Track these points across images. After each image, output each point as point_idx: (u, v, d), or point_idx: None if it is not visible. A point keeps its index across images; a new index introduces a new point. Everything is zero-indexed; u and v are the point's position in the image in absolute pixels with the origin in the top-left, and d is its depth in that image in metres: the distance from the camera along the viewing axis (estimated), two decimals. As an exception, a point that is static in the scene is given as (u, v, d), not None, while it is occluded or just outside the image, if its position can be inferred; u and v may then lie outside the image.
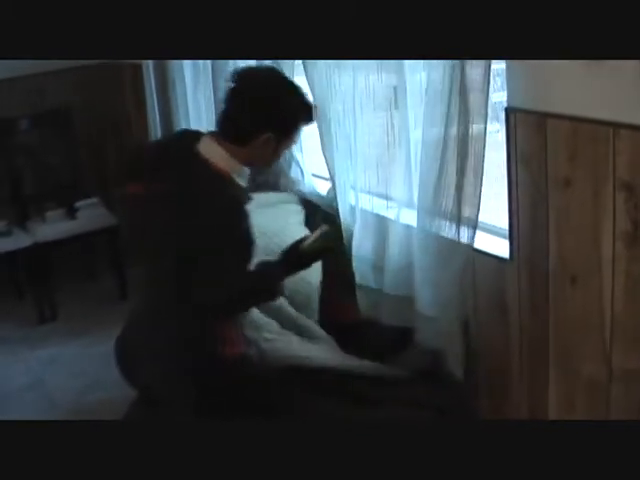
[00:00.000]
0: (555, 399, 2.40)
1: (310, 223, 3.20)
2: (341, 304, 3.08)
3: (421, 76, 2.50)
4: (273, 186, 3.40)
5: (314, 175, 3.37)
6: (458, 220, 2.42)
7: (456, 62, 2.27)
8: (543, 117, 2.17)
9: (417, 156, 2.60)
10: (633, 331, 2.08)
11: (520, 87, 2.25)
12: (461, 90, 2.29)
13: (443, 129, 2.37)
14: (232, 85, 2.26)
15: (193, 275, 2.17)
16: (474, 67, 2.25)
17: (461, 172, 2.36)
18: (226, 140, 2.24)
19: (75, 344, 4.03)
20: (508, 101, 2.31)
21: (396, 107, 2.72)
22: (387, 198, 2.84)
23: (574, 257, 2.20)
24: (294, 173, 3.32)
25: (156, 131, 4.15)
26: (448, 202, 2.43)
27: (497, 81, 2.53)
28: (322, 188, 3.28)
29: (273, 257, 2.44)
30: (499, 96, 2.57)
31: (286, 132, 2.29)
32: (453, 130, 2.35)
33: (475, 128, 2.31)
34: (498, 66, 2.38)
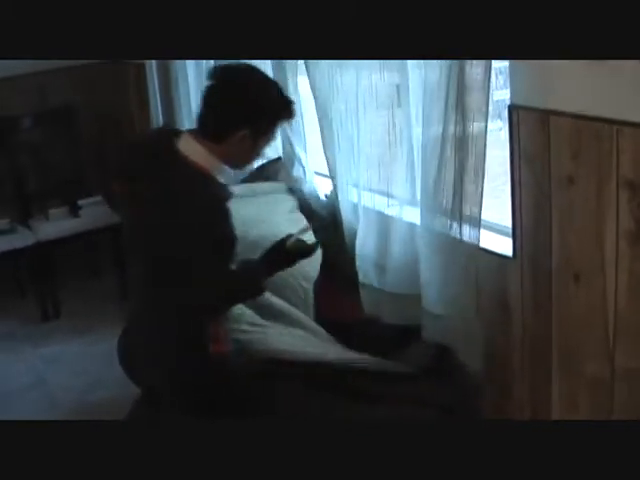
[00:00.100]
0: (558, 397, 2.40)
1: (302, 211, 3.22)
2: (343, 302, 3.08)
3: (424, 74, 2.49)
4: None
5: (317, 173, 3.36)
6: (460, 218, 2.41)
7: (454, 61, 2.27)
8: (546, 115, 2.17)
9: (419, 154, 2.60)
10: (636, 329, 2.07)
11: (523, 85, 2.25)
12: (460, 89, 2.28)
13: (442, 127, 2.37)
14: (209, 83, 2.26)
15: (177, 274, 2.17)
16: (474, 66, 2.24)
17: (462, 170, 2.36)
18: (204, 137, 2.23)
19: (78, 342, 4.04)
20: (511, 99, 2.30)
21: (399, 105, 2.72)
22: (390, 196, 2.83)
23: (577, 255, 2.20)
24: (297, 172, 3.32)
25: (159, 129, 4.15)
26: (449, 200, 2.43)
27: (499, 79, 2.53)
28: (325, 187, 3.27)
29: (250, 247, 2.44)
30: (502, 94, 2.56)
31: (263, 129, 2.26)
32: (452, 129, 2.35)
33: (476, 126, 2.30)
34: (501, 64, 2.38)
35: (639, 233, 1.98)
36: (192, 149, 2.23)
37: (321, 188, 3.30)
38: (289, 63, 3.06)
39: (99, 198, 4.56)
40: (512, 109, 2.29)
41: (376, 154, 2.84)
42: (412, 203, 2.75)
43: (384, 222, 2.84)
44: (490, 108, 2.30)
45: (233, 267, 2.31)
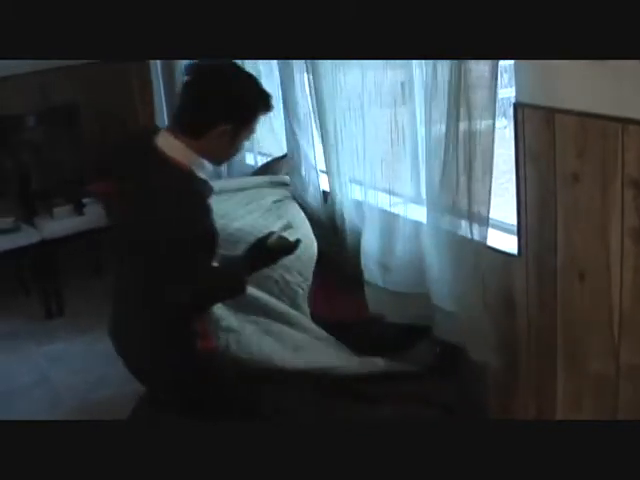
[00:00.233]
0: (563, 395, 2.40)
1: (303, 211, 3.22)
2: (346, 301, 3.07)
3: (430, 71, 2.49)
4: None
5: (321, 171, 3.36)
6: (469, 217, 2.41)
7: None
8: (551, 113, 2.16)
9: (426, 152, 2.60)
10: (641, 327, 2.07)
11: (528, 83, 2.25)
12: (465, 86, 2.28)
13: (449, 125, 2.37)
14: (186, 78, 2.25)
15: (158, 271, 2.17)
16: (480, 64, 2.24)
17: (469, 169, 2.35)
18: (182, 133, 2.21)
19: (82, 340, 4.03)
20: (516, 97, 2.30)
21: (403, 103, 2.71)
22: (396, 195, 2.83)
23: (582, 253, 2.20)
24: (305, 171, 3.31)
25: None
26: (455, 198, 2.42)
27: (504, 77, 2.52)
28: (328, 185, 3.26)
29: (229, 239, 2.41)
30: (506, 92, 2.56)
31: (242, 123, 2.24)
32: (459, 126, 2.34)
33: (483, 124, 2.29)
34: (506, 62, 2.37)
35: (644, 231, 1.99)
36: (170, 145, 2.21)
37: (325, 186, 3.30)
38: (296, 61, 3.06)
39: (102, 197, 4.58)
40: (517, 107, 2.29)
41: (381, 152, 2.83)
42: (418, 201, 2.74)
43: (389, 220, 2.84)
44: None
45: (215, 264, 2.31)
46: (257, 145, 3.82)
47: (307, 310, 3.02)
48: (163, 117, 4.18)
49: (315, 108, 3.04)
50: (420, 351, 2.81)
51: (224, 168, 3.82)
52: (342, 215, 3.07)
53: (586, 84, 2.06)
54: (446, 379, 2.76)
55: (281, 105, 3.28)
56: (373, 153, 2.84)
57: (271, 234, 2.38)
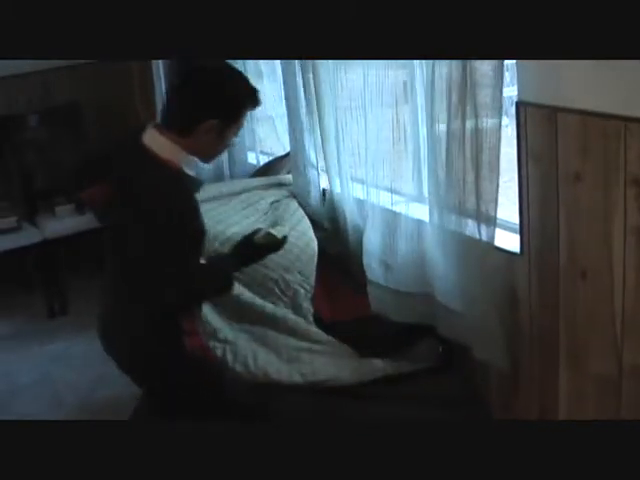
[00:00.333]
0: (566, 394, 2.40)
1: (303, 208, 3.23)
2: (348, 300, 3.07)
3: (435, 70, 2.48)
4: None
5: (323, 170, 3.35)
6: (476, 216, 2.40)
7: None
8: (554, 111, 2.16)
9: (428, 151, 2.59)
10: (644, 326, 2.07)
11: (530, 81, 2.24)
12: (471, 85, 2.27)
13: (455, 124, 2.36)
14: (174, 77, 2.24)
15: (147, 269, 2.17)
16: (485, 62, 2.23)
17: (476, 167, 2.34)
18: (170, 130, 2.20)
19: (84, 339, 4.02)
20: (519, 95, 2.30)
21: (406, 102, 2.71)
22: (398, 193, 2.83)
23: (585, 252, 2.19)
24: (307, 169, 3.30)
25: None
26: (461, 197, 2.42)
27: (506, 76, 2.52)
28: (329, 185, 3.26)
29: (225, 245, 2.42)
30: (509, 91, 2.55)
31: (229, 118, 2.23)
32: (465, 125, 2.34)
33: (489, 123, 2.28)
34: (508, 61, 2.37)
35: (647, 230, 1.98)
36: (157, 143, 2.20)
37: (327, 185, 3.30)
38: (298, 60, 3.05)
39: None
40: (519, 106, 2.28)
41: (383, 151, 2.83)
42: (420, 200, 2.74)
43: (391, 219, 2.83)
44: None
45: (202, 261, 2.31)
46: (259, 144, 3.82)
47: (310, 310, 3.01)
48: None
49: (317, 107, 3.04)
50: (423, 350, 2.81)
51: (227, 167, 3.82)
52: (344, 214, 3.06)
53: (588, 83, 2.06)
54: (449, 378, 2.76)
55: (283, 104, 3.28)
56: (375, 152, 2.83)
57: (258, 231, 2.39)
